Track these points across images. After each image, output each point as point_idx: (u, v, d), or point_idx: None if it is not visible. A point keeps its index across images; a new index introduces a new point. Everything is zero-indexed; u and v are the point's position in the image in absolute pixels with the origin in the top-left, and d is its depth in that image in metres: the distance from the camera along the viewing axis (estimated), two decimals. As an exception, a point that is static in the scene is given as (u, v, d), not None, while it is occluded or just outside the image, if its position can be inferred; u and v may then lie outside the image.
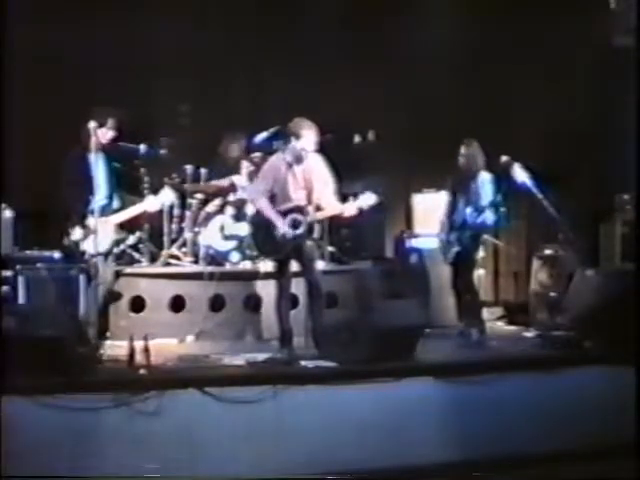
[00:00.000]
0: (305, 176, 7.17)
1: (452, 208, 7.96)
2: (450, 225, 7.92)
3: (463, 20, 9.61)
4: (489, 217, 7.75)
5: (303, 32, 9.65)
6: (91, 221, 7.16)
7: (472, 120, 9.25)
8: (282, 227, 7.08)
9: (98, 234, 7.01)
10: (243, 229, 8.37)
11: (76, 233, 7.25)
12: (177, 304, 8.24)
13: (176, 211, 8.80)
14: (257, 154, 8.88)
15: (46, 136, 8.52)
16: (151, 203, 7.69)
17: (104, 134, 7.39)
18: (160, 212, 8.34)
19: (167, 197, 7.78)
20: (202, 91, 9.54)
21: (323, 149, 7.40)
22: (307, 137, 7.14)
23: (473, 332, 7.75)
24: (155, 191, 8.28)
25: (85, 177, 7.29)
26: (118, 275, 7.88)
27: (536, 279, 8.87)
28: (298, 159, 7.19)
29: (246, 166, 8.82)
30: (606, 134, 9.17)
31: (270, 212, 7.16)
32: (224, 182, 8.91)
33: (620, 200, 8.99)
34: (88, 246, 7.19)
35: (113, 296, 7.74)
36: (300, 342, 7.26)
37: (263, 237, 7.27)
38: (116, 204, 7.63)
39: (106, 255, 7.33)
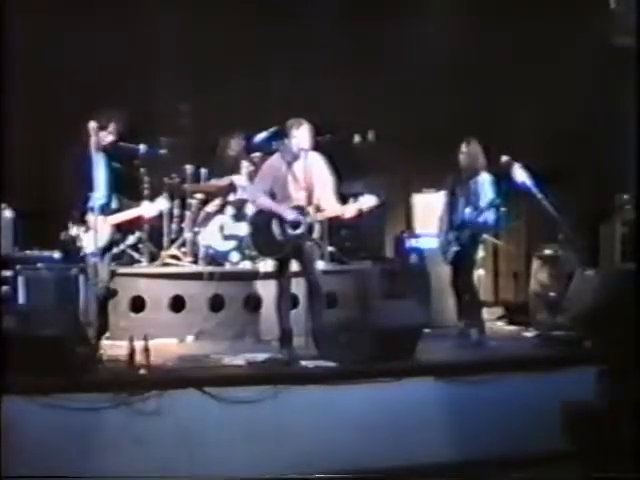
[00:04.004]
0: (306, 176, 7.16)
1: (451, 208, 7.96)
2: (449, 225, 7.92)
3: (463, 20, 9.61)
4: (488, 217, 7.75)
5: (303, 32, 9.65)
6: (89, 218, 7.16)
7: (472, 120, 9.25)
8: (289, 215, 7.07)
9: (95, 232, 7.01)
10: (243, 229, 8.37)
11: (74, 229, 7.25)
12: (177, 304, 8.24)
13: (176, 211, 8.80)
14: (257, 154, 8.89)
15: (46, 136, 8.52)
16: (147, 209, 7.71)
17: (104, 137, 7.39)
18: (159, 213, 8.35)
19: (162, 205, 7.81)
20: (202, 91, 9.54)
21: (323, 149, 7.40)
22: (299, 136, 7.13)
23: (473, 332, 7.75)
24: (155, 192, 8.32)
25: (85, 175, 7.28)
26: (114, 275, 7.88)
27: (536, 279, 8.86)
28: (294, 158, 7.19)
29: (246, 166, 8.83)
30: (606, 134, 9.17)
31: (273, 205, 7.16)
32: (223, 181, 8.92)
33: (620, 200, 8.98)
34: (85, 243, 7.19)
35: (110, 294, 7.74)
36: (300, 342, 7.26)
37: (263, 237, 7.27)
38: (114, 205, 7.63)
39: (102, 254, 7.31)
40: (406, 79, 9.75)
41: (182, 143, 8.95)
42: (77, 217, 7.23)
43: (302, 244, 7.12)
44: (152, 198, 8.19)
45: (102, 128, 7.28)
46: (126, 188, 8.06)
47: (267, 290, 7.92)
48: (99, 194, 7.29)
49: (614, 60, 8.93)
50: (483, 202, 7.69)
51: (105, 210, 7.39)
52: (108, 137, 7.43)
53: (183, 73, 9.41)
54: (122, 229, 7.87)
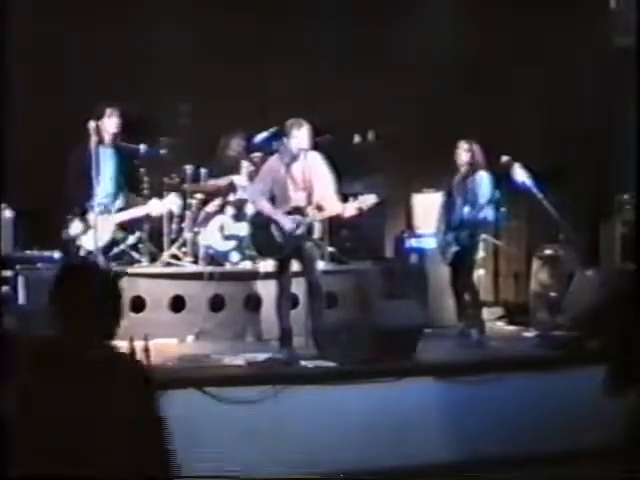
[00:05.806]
0: (305, 176, 7.17)
1: (449, 207, 7.96)
2: (448, 225, 7.92)
3: (463, 20, 9.61)
4: (487, 214, 7.75)
5: (303, 31, 9.65)
6: (91, 217, 7.17)
7: (472, 120, 9.25)
8: (286, 224, 7.07)
9: (97, 231, 7.02)
10: (243, 229, 8.36)
11: (75, 227, 7.25)
12: (177, 304, 8.23)
13: (176, 211, 8.79)
14: (257, 154, 8.88)
15: (46, 135, 8.52)
16: (155, 207, 7.73)
17: (111, 124, 7.38)
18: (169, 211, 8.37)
19: (173, 203, 7.82)
20: (202, 91, 9.53)
21: (323, 149, 7.40)
22: (298, 136, 7.13)
23: (473, 332, 7.75)
24: (154, 192, 8.32)
25: (88, 173, 7.29)
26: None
27: (536, 279, 8.86)
28: (293, 158, 7.19)
29: (246, 166, 8.82)
30: (606, 134, 9.17)
31: (271, 211, 7.16)
32: (222, 181, 8.92)
33: (620, 200, 8.98)
34: (86, 242, 7.18)
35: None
36: (300, 342, 7.26)
37: (263, 237, 7.27)
38: (120, 203, 7.63)
39: (103, 253, 7.32)
40: (406, 79, 9.74)
41: (182, 143, 8.94)
42: (78, 215, 7.24)
43: (302, 244, 7.12)
44: (152, 198, 8.20)
45: (101, 127, 7.30)
46: (129, 186, 8.08)
47: (267, 290, 7.92)
48: (103, 192, 7.31)
49: (614, 60, 8.93)
50: (481, 201, 7.70)
51: (110, 208, 7.40)
52: (114, 122, 7.42)
53: (183, 73, 9.40)
54: (127, 227, 7.88)
